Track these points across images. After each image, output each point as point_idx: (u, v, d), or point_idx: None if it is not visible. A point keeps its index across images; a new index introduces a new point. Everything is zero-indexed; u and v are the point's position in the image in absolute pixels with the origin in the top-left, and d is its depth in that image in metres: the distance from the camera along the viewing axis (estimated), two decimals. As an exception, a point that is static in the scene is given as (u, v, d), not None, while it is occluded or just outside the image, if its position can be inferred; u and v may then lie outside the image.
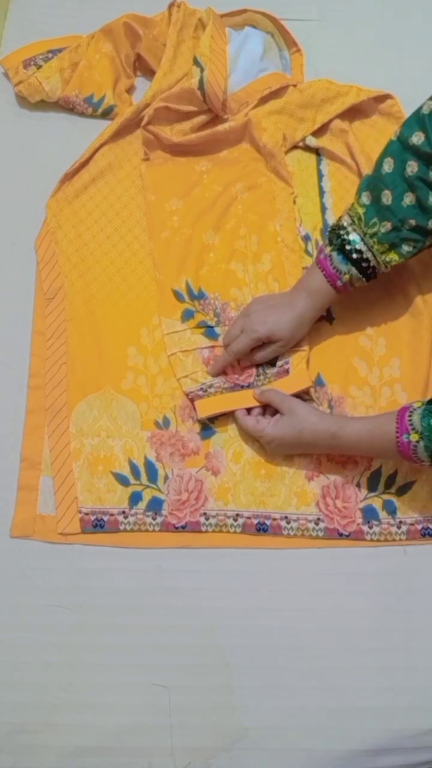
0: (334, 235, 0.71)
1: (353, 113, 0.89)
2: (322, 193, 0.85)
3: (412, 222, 0.66)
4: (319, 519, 0.70)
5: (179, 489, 0.71)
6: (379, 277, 0.71)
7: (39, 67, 0.88)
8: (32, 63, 0.88)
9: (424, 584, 0.68)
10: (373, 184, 0.68)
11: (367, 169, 0.85)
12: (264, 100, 0.87)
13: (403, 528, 0.70)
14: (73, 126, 0.90)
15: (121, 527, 0.70)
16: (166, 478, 0.72)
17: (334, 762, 0.62)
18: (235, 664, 0.65)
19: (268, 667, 0.65)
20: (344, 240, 0.69)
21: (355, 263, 0.69)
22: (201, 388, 0.73)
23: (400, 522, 0.70)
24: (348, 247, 0.69)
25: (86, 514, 0.70)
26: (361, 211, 0.69)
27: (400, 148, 0.66)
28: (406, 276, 0.80)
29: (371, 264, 0.69)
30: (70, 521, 0.70)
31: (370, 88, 0.88)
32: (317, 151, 0.88)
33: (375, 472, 0.72)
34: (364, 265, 0.69)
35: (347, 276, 0.69)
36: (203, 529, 0.70)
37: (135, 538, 0.70)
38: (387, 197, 0.66)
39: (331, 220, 0.84)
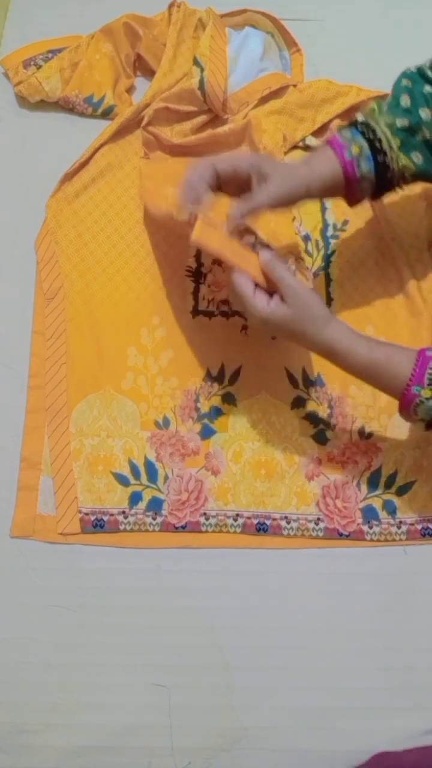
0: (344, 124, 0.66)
1: (353, 113, 0.88)
2: (322, 193, 0.85)
3: (427, 134, 0.63)
4: (319, 519, 0.70)
5: (179, 489, 0.71)
6: (391, 192, 0.66)
7: (39, 67, 0.88)
8: (32, 63, 0.88)
9: (424, 584, 0.68)
10: (389, 96, 0.65)
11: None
12: (264, 100, 0.87)
13: (403, 528, 0.70)
14: (73, 126, 0.90)
15: (121, 527, 0.70)
16: (166, 478, 0.72)
17: (333, 762, 0.62)
18: (234, 664, 0.65)
19: (268, 667, 0.65)
20: (356, 120, 0.64)
21: (367, 141, 0.63)
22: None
23: (400, 522, 0.70)
24: (360, 122, 0.64)
25: (86, 514, 0.70)
26: (375, 106, 0.65)
27: (416, 75, 0.65)
28: (406, 276, 0.80)
29: (383, 148, 0.62)
30: (70, 521, 0.70)
31: (370, 88, 0.88)
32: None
33: (375, 471, 0.72)
34: (377, 145, 0.62)
35: (357, 148, 0.62)
36: (203, 529, 0.70)
37: (135, 538, 0.70)
38: (406, 101, 0.63)
39: (331, 219, 0.84)
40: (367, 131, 0.63)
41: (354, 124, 0.65)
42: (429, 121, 0.63)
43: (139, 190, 0.83)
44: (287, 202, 0.62)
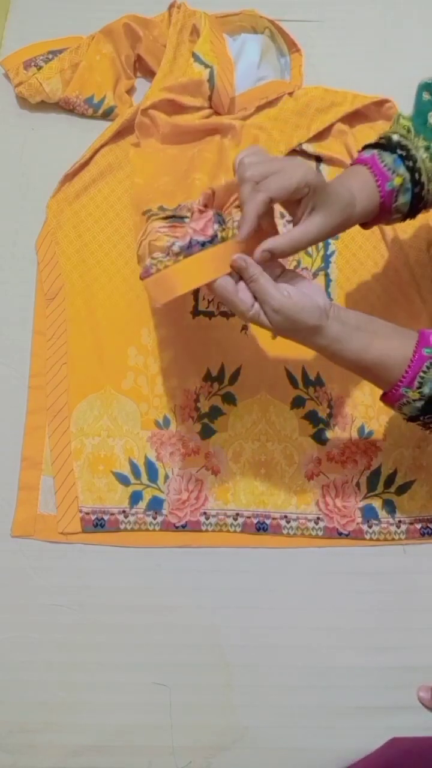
0: (373, 143, 0.59)
1: (355, 117, 0.88)
2: (321, 193, 0.85)
3: None
4: (318, 518, 0.70)
5: (179, 488, 0.71)
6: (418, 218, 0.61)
7: (39, 68, 0.88)
8: (33, 64, 0.88)
9: (423, 583, 0.69)
10: (416, 109, 0.61)
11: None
12: (260, 109, 0.88)
13: (402, 527, 0.70)
14: (74, 127, 0.90)
15: (122, 526, 0.70)
16: (166, 477, 0.72)
17: (333, 760, 0.62)
18: (235, 663, 0.65)
19: (268, 666, 0.65)
20: (393, 140, 0.58)
21: (408, 170, 0.58)
22: (155, 262, 0.55)
23: (400, 521, 0.71)
24: (398, 143, 0.58)
25: (87, 513, 0.70)
26: (408, 124, 0.60)
27: None
28: (405, 277, 0.80)
29: (422, 180, 0.58)
30: (71, 521, 0.70)
31: (365, 94, 0.88)
32: (317, 157, 0.87)
33: (374, 471, 0.72)
34: (416, 176, 0.58)
35: (399, 180, 0.57)
36: (203, 528, 0.70)
37: (135, 538, 0.70)
38: None
39: (331, 220, 0.84)
40: (407, 158, 0.58)
41: (392, 146, 0.59)
42: None
43: (130, 185, 0.82)
44: (328, 236, 0.56)
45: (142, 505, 0.71)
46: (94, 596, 0.67)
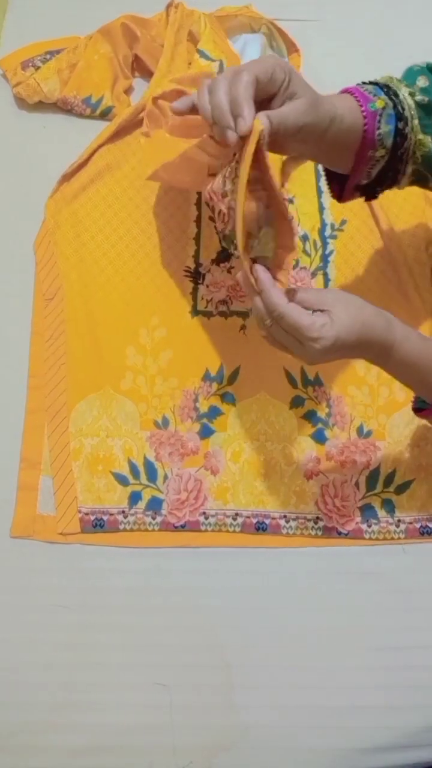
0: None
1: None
2: (320, 193, 0.86)
3: None
4: (318, 518, 0.70)
5: (178, 488, 0.71)
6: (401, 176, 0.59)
7: (37, 68, 0.88)
8: (30, 64, 0.88)
9: (423, 583, 0.69)
10: (404, 75, 0.59)
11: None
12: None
13: (402, 527, 0.70)
14: (72, 127, 0.90)
15: (121, 527, 0.70)
16: (165, 477, 0.72)
17: (334, 760, 0.62)
18: (235, 662, 0.65)
19: (268, 666, 0.65)
20: (375, 81, 0.56)
21: (390, 99, 0.55)
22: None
23: (399, 521, 0.71)
24: (380, 83, 0.56)
25: (86, 513, 0.70)
26: (391, 76, 0.58)
27: (425, 69, 0.59)
28: (404, 275, 0.80)
29: (405, 115, 0.55)
30: (70, 521, 0.70)
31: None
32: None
33: (374, 470, 0.72)
34: (399, 109, 0.54)
35: (381, 102, 0.54)
36: (202, 528, 0.70)
37: (134, 538, 0.70)
38: (423, 81, 0.57)
39: (329, 219, 0.84)
40: (390, 92, 0.55)
41: (374, 83, 0.57)
42: None
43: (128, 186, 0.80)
44: (304, 135, 0.52)
45: (142, 505, 0.71)
46: (93, 596, 0.67)
